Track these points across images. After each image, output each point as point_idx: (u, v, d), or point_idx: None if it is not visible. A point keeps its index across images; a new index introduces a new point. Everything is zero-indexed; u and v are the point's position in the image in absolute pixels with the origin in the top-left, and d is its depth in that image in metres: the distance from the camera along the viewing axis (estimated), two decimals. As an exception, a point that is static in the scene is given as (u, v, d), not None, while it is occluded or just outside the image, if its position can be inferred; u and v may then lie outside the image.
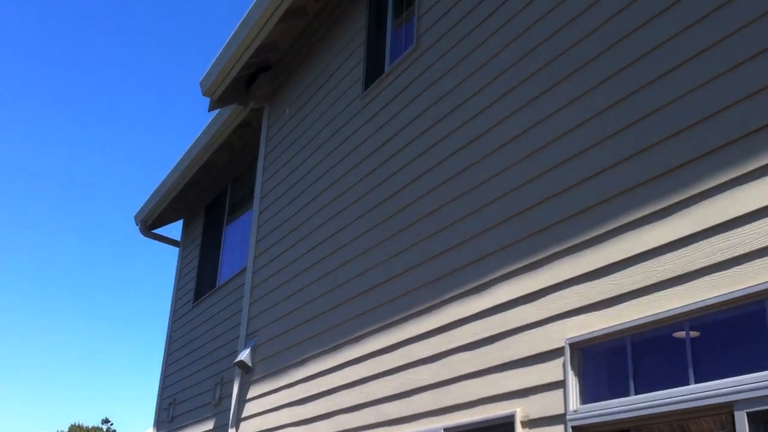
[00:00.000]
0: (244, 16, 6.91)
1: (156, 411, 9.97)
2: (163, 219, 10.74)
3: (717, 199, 2.98)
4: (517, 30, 4.36)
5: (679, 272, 3.04)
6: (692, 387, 2.87)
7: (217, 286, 8.93)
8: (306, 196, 6.47)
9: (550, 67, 4.03)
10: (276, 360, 6.24)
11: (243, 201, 8.94)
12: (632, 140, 3.42)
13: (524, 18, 4.32)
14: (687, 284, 3.00)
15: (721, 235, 2.92)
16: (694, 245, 3.02)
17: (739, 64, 3.02)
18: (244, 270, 8.10)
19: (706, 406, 2.79)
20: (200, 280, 9.67)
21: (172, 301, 10.52)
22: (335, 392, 5.30)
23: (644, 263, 3.21)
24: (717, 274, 2.90)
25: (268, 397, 6.24)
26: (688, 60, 3.25)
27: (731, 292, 2.81)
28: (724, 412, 2.75)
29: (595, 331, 3.32)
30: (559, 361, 3.49)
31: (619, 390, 3.21)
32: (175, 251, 11.08)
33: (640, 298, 3.18)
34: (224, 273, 8.96)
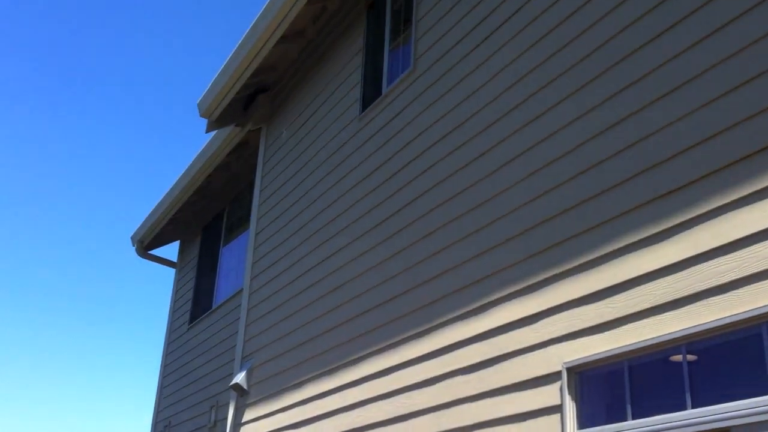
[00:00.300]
0: (243, 37, 6.94)
1: (151, 433, 9.88)
2: (160, 240, 10.72)
3: (714, 223, 2.97)
4: (514, 52, 4.38)
5: (677, 296, 3.03)
6: (690, 412, 2.85)
7: (213, 308, 8.89)
8: (303, 218, 6.46)
9: (546, 91, 4.05)
10: (272, 383, 6.20)
11: (240, 222, 8.94)
12: (629, 163, 3.43)
13: (521, 40, 4.34)
14: (684, 308, 2.99)
15: (718, 259, 2.92)
16: (691, 269, 3.01)
17: (735, 88, 3.03)
18: (240, 291, 8.08)
19: (704, 431, 2.76)
20: (196, 301, 9.64)
21: (167, 323, 10.48)
22: (332, 416, 5.26)
23: (641, 287, 3.20)
24: (714, 298, 2.89)
25: (263, 420, 6.19)
26: (682, 85, 3.26)
27: (728, 317, 2.79)
28: (722, 438, 2.73)
29: (592, 355, 3.31)
30: (556, 385, 3.47)
31: (616, 414, 3.19)
32: (171, 272, 11.05)
33: (638, 322, 3.17)
34: (220, 294, 8.93)
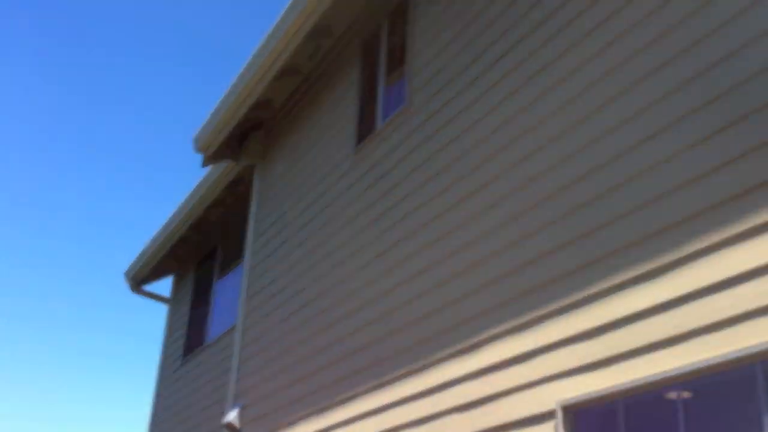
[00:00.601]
0: (239, 73, 6.99)
1: (141, 473, 9.72)
2: (154, 275, 10.67)
3: (708, 260, 2.96)
4: (507, 91, 4.40)
5: (671, 334, 3.00)
6: (686, 452, 2.80)
7: (206, 344, 8.82)
8: (296, 254, 6.43)
9: (538, 130, 4.06)
10: (265, 421, 6.12)
11: (234, 257, 8.90)
12: (622, 201, 3.42)
13: (513, 81, 4.37)
14: (678, 346, 2.96)
15: (712, 296, 2.89)
16: (686, 306, 2.98)
17: (727, 127, 3.04)
18: (233, 328, 8.01)
19: (701, 472, 2.72)
20: (189, 337, 9.56)
21: (160, 358, 10.38)
22: (324, 455, 5.17)
23: (636, 324, 3.17)
24: (708, 336, 2.86)
25: (255, 459, 6.09)
26: (674, 123, 3.27)
27: (723, 354, 2.76)
28: (719, 479, 2.68)
29: (587, 394, 3.26)
30: (550, 424, 3.42)
31: (612, 455, 3.14)
32: (164, 308, 10.98)
33: (633, 360, 3.13)
34: (214, 330, 8.86)
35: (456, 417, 4.02)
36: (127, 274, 10.63)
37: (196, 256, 10.09)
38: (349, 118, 6.23)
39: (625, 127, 3.51)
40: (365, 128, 6.01)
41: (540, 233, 3.84)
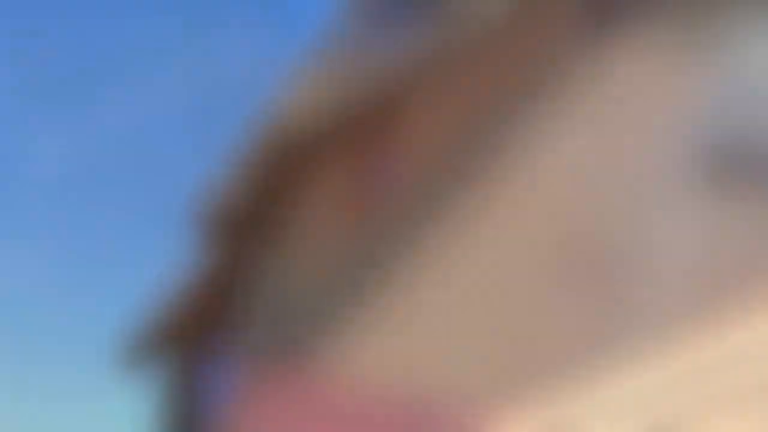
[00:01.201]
0: (234, 157, 7.06)
1: None
2: (144, 357, 10.53)
3: (700, 344, 2.95)
4: (501, 174, 4.43)
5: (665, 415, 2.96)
6: None
7: (199, 428, 8.63)
8: (290, 335, 6.37)
9: (531, 215, 4.08)
10: (254, 508, 5.93)
11: (229, 338, 8.80)
12: (614, 286, 3.42)
13: (508, 164, 4.41)
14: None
15: (702, 378, 2.87)
16: (673, 390, 2.96)
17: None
18: (226, 408, 7.85)
19: None
20: (178, 422, 9.36)
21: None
22: None
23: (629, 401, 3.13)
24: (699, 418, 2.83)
25: None
26: (668, 207, 3.30)
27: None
28: None
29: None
30: (544, 508, 3.32)
31: None
32: (154, 390, 10.79)
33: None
34: (207, 415, 8.69)
35: (448, 501, 3.91)
36: (114, 353, 10.49)
37: (189, 338, 9.98)
38: (341, 199, 6.26)
39: (615, 208, 3.54)
40: (357, 208, 6.03)
41: (531, 314, 3.82)
